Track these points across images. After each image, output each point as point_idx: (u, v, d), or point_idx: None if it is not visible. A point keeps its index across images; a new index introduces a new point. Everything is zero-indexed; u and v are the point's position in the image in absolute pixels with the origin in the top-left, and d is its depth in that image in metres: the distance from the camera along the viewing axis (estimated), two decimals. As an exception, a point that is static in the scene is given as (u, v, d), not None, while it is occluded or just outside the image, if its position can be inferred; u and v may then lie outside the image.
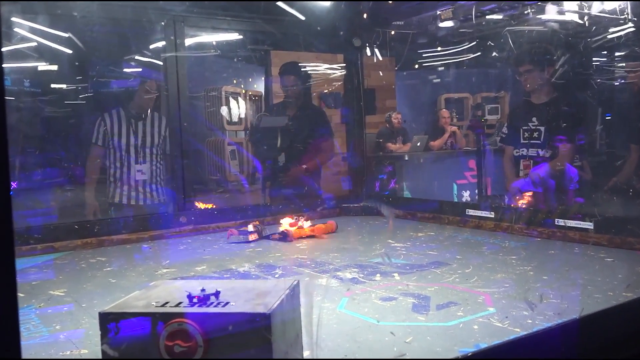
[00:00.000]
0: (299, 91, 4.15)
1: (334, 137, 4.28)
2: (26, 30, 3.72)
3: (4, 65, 0.76)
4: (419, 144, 6.87)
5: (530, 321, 1.54)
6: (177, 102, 3.48)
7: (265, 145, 3.94)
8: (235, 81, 6.84)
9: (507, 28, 4.76)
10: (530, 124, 3.61)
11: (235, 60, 6.49)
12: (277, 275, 2.18)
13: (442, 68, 7.96)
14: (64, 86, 6.13)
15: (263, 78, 6.49)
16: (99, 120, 3.87)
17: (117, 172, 3.83)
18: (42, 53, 4.68)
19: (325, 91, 5.68)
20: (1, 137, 0.67)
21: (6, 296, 0.68)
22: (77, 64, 5.60)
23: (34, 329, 1.65)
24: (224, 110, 6.07)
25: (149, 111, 3.90)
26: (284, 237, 2.93)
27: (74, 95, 6.17)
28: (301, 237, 2.97)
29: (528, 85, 3.60)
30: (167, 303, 1.21)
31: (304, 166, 4.03)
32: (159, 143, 3.91)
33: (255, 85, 7.06)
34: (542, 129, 3.57)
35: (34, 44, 3.98)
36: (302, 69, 4.27)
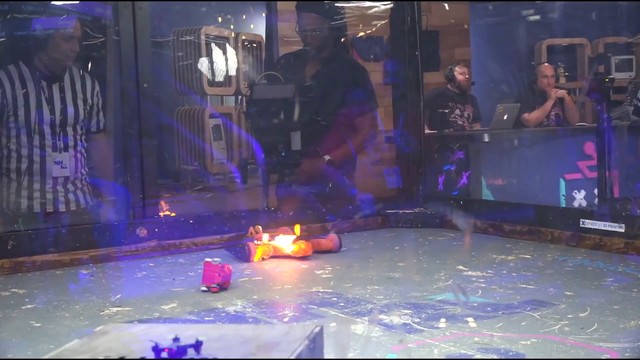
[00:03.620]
0: (325, 36, 4.16)
1: (377, 108, 4.28)
2: None
3: None
4: (505, 117, 6.84)
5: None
6: (132, 53, 3.50)
7: (267, 120, 3.93)
8: (221, 19, 6.87)
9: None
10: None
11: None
12: (286, 319, 2.20)
13: (544, -1, 7.90)
14: None
15: (264, 14, 6.50)
16: None
17: (22, 167, 3.80)
18: None
19: (361, 35, 5.68)
20: None
21: None
22: None
23: None
24: (203, 63, 6.10)
25: (67, 68, 3.88)
26: (241, 253, 3.04)
27: None
28: (272, 257, 3.09)
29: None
30: (122, 359, 1.23)
31: (327, 157, 4.04)
32: (85, 116, 3.90)
33: (251, 26, 7.08)
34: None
35: None
36: (330, 3, 4.28)
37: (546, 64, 7.67)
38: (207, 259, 2.55)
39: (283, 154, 3.95)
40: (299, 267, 2.94)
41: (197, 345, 1.27)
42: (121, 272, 2.97)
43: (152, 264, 3.08)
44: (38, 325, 2.22)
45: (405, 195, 4.05)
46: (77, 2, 4.30)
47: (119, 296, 2.55)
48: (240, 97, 6.55)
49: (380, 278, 2.70)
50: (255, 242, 3.10)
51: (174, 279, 2.79)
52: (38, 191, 3.79)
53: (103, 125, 3.98)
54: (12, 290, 2.69)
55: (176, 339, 1.28)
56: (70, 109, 3.84)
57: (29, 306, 2.46)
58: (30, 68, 3.80)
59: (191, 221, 3.40)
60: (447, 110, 6.90)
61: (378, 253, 3.21)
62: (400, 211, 3.85)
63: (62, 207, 3.83)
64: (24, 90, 3.76)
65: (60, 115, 3.80)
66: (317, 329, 1.38)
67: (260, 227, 3.22)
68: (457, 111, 7.00)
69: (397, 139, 4.24)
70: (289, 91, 3.84)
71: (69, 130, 3.84)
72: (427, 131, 5.58)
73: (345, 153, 4.14)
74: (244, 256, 3.04)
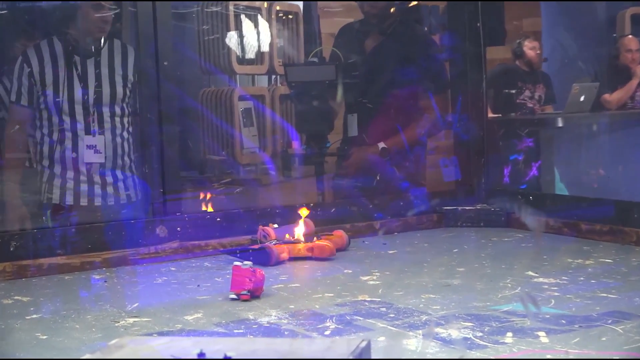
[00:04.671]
0: (387, 4, 4.15)
1: (448, 89, 4.25)
2: None
3: None
4: (582, 99, 6.77)
5: None
6: (151, 26, 3.51)
7: (306, 105, 3.94)
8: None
9: None
10: None
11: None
12: (328, 332, 2.19)
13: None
14: None
15: (301, -18, 6.50)
16: (19, 62, 3.91)
17: (53, 151, 3.87)
18: None
19: (413, 4, 5.65)
20: None
21: None
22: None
23: None
24: (232, 38, 6.11)
25: (102, 40, 3.93)
26: (263, 256, 3.03)
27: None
28: (292, 259, 3.14)
29: None
30: (139, 376, 1.24)
31: (381, 145, 4.03)
32: (126, 95, 3.94)
33: (287, -5, 7.07)
34: None
35: None
36: None
37: (630, 36, 7.57)
38: (237, 262, 2.56)
39: (328, 144, 3.95)
40: (342, 272, 2.94)
41: (226, 362, 1.27)
42: (138, 277, 2.99)
43: (173, 268, 3.10)
44: (44, 337, 2.24)
45: (464, 189, 4.03)
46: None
47: (136, 305, 2.56)
48: (274, 76, 6.56)
49: (436, 285, 2.68)
50: (274, 242, 3.13)
51: (198, 286, 2.80)
52: (71, 180, 3.84)
53: None
54: (15, 297, 2.71)
55: (201, 354, 1.29)
56: (107, 87, 3.87)
57: (34, 316, 2.47)
58: (64, 43, 3.85)
59: (218, 219, 3.41)
60: (514, 91, 6.84)
61: (434, 256, 3.20)
62: (459, 208, 3.83)
63: (97, 201, 3.87)
64: (54, 67, 3.81)
65: (94, 94, 3.84)
66: (364, 344, 1.37)
67: (274, 225, 3.24)
68: (527, 92, 6.93)
69: (455, 124, 4.22)
70: (329, 73, 3.85)
71: (105, 110, 3.87)
72: (490, 115, 5.54)
73: (403, 142, 4.14)
74: (265, 259, 3.04)
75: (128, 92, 3.93)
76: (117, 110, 3.91)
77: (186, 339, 1.73)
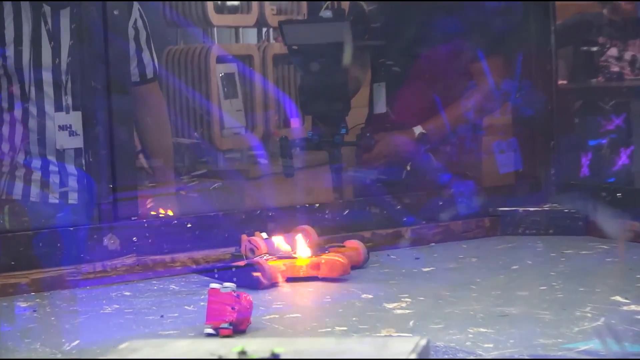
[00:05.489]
0: None
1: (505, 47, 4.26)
2: None
3: None
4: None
5: None
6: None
7: (311, 75, 3.94)
8: None
9: None
10: None
11: None
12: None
13: None
14: None
15: None
16: None
17: (15, 137, 3.88)
18: None
19: None
20: None
21: None
22: None
23: None
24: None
25: None
26: (251, 277, 3.03)
27: None
28: (290, 279, 3.14)
29: None
30: None
31: (419, 129, 4.04)
32: None
33: None
34: None
35: None
36: None
37: None
38: (214, 285, 2.56)
39: (343, 130, 3.95)
40: (359, 298, 2.94)
41: None
42: (80, 305, 2.99)
43: (128, 293, 3.11)
44: (-49, 387, 2.25)
45: (527, 184, 4.04)
46: None
47: (76, 343, 2.56)
48: (265, 30, 6.57)
49: (488, 315, 2.68)
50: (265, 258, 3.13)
51: (162, 316, 2.80)
52: (38, 170, 3.86)
53: (152, 72, 4.03)
54: None
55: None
56: None
57: (-63, 358, 2.49)
58: None
59: (189, 225, 3.42)
60: (595, 49, 6.82)
61: (485, 275, 3.21)
62: (520, 209, 3.84)
63: (72, 198, 3.88)
64: (17, 19, 3.83)
65: (68, 57, 3.85)
66: (424, 342, 1.40)
67: (262, 235, 3.24)
68: (613, 50, 6.90)
69: (513, 94, 4.22)
70: (341, 32, 3.83)
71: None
72: (561, 82, 5.54)
73: (446, 124, 4.15)
74: (253, 281, 3.04)
75: None
76: None
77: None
